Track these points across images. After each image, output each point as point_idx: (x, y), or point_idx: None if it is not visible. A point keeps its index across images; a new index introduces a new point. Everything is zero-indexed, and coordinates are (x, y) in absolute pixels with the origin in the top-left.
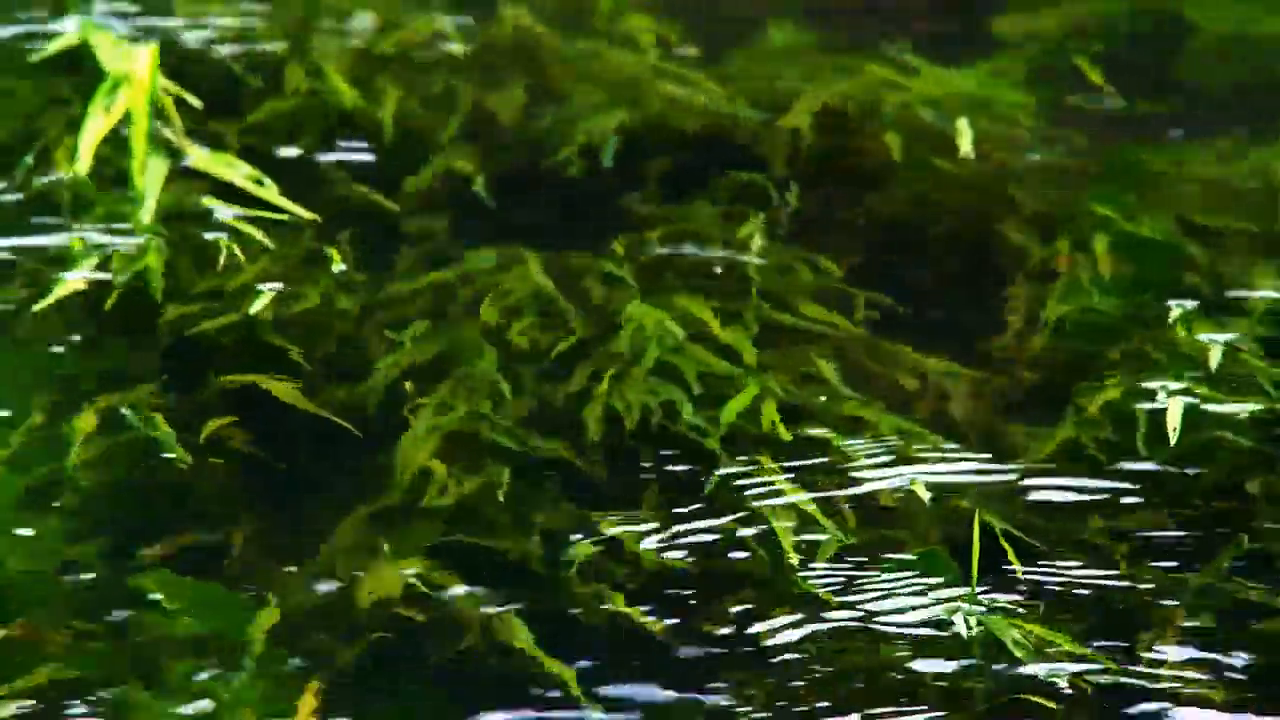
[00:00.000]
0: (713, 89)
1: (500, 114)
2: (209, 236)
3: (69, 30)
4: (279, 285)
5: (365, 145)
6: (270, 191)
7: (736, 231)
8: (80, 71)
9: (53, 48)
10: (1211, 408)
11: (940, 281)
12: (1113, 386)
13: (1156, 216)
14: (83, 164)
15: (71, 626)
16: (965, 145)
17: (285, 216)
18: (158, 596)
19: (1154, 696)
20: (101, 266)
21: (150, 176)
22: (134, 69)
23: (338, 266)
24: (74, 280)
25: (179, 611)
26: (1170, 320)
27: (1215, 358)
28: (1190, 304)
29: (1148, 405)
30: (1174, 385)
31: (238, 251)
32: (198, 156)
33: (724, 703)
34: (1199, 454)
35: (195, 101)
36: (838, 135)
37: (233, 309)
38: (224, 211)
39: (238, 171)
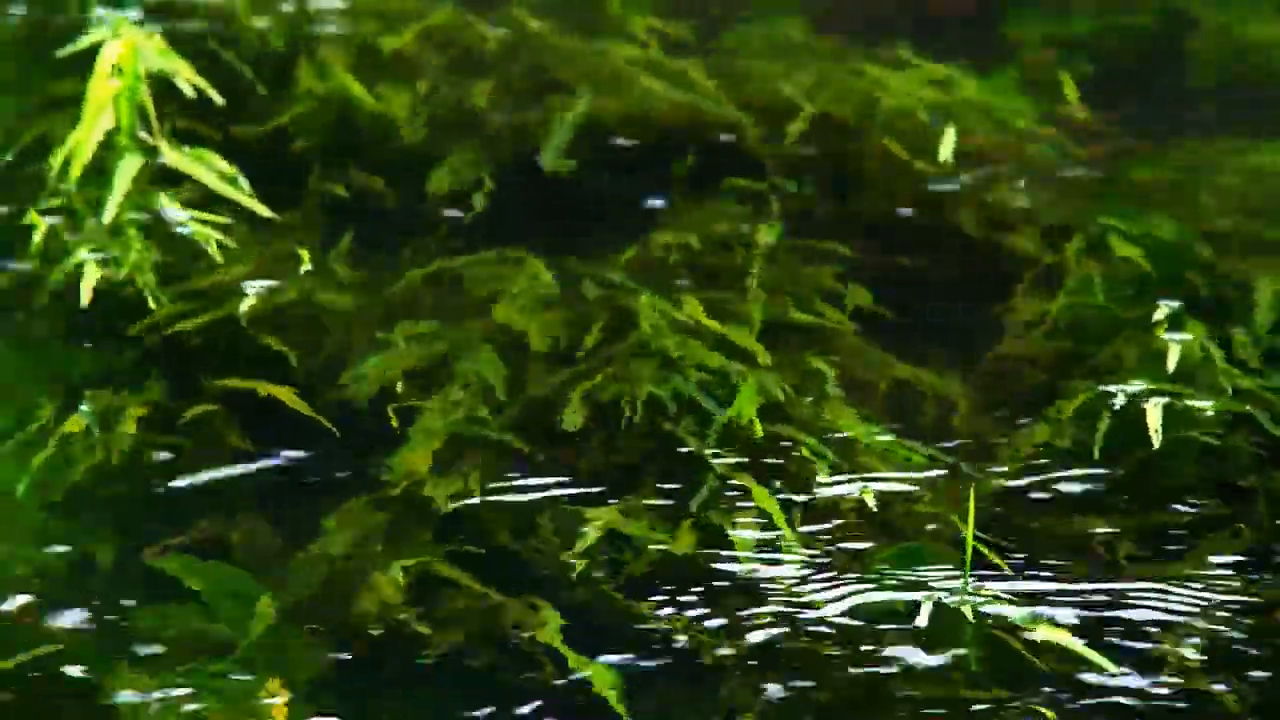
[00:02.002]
0: (715, 89)
1: (501, 112)
2: (205, 232)
3: (97, 25)
4: (265, 284)
5: (366, 143)
6: (240, 191)
7: (738, 232)
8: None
9: (78, 44)
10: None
11: (938, 283)
12: (1100, 388)
13: (1161, 220)
14: (76, 167)
15: (69, 619)
16: (946, 151)
17: (279, 215)
18: (179, 578)
19: (1147, 695)
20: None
21: (121, 173)
22: (105, 59)
23: (305, 267)
24: (88, 278)
25: (199, 593)
26: (1154, 321)
27: (1173, 358)
28: (1174, 304)
29: (1127, 406)
30: (1154, 387)
31: (214, 249)
32: (170, 155)
33: (716, 702)
34: (1177, 454)
35: (218, 98)
36: (837, 136)
37: (227, 307)
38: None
39: (210, 170)
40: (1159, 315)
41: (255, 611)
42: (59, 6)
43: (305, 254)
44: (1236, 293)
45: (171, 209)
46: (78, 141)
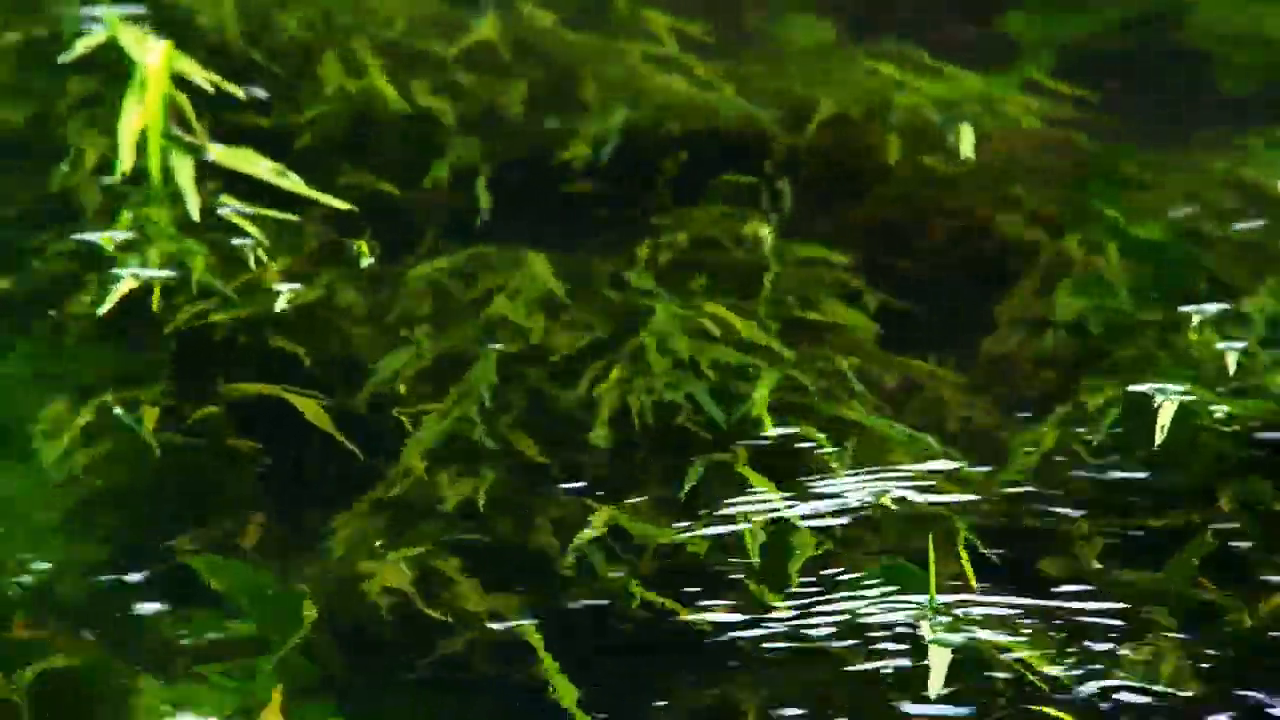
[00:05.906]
0: (724, 88)
1: (509, 111)
2: (220, 235)
3: (93, 25)
4: (296, 285)
5: (371, 142)
6: (297, 184)
7: (745, 232)
8: (96, 66)
9: (81, 48)
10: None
11: (943, 282)
12: (1106, 388)
13: (1161, 219)
14: (125, 163)
15: (79, 624)
16: (966, 148)
17: (293, 216)
18: (209, 579)
19: (1137, 701)
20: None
21: (182, 174)
22: (148, 64)
23: (366, 260)
24: (126, 281)
25: (230, 595)
26: (1192, 325)
27: (1232, 363)
28: (1212, 308)
29: (1140, 407)
30: (1170, 387)
31: (261, 251)
32: (218, 152)
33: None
34: (1187, 456)
35: (238, 92)
36: (845, 135)
37: (245, 307)
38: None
39: (260, 166)
40: (1196, 321)
41: (289, 612)
42: (42, 7)
43: (364, 245)
44: (1236, 292)
45: (230, 206)
46: (122, 143)
